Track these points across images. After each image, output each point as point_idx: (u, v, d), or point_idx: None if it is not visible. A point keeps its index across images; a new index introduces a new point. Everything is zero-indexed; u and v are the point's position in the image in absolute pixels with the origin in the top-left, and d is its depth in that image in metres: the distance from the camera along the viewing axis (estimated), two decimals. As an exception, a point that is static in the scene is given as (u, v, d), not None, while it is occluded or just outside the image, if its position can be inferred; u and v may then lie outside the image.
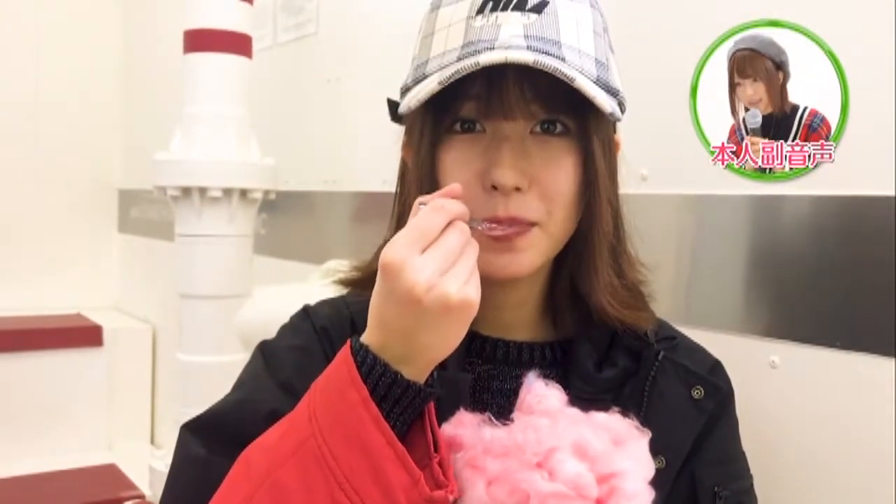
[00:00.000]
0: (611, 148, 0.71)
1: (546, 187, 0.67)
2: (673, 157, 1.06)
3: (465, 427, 0.64)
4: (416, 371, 0.59)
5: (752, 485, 0.77)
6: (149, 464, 2.23)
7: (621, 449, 0.63)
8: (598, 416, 0.65)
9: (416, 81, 0.69)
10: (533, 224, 0.67)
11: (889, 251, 0.85)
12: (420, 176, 0.69)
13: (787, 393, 0.96)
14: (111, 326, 2.94)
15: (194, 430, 0.70)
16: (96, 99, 3.29)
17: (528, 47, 0.63)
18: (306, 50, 2.09)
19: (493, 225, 0.65)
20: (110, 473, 2.62)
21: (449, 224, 0.59)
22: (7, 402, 2.69)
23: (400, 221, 0.74)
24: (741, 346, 0.99)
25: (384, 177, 1.67)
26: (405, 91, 0.71)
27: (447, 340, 0.59)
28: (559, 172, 0.67)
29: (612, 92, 0.68)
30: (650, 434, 0.64)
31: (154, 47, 3.00)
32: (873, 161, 0.88)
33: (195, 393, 1.85)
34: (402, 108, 0.70)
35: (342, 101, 1.95)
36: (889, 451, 0.86)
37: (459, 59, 0.64)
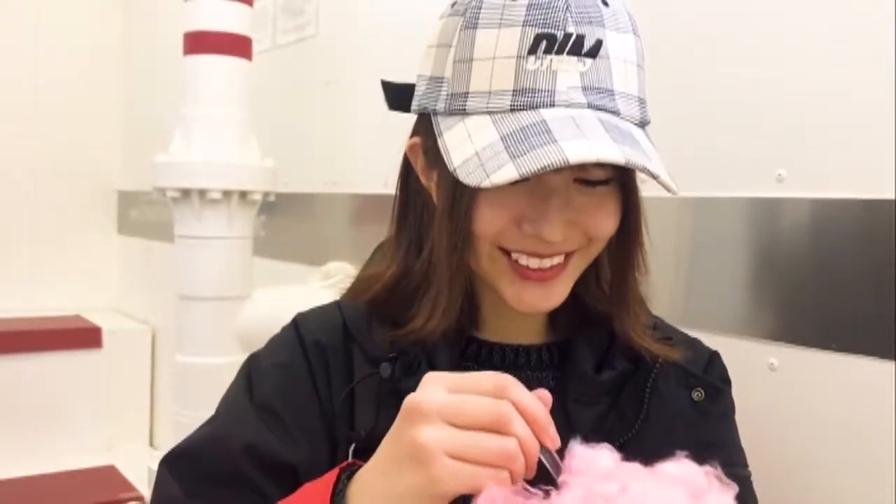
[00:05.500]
0: (637, 191, 0.70)
1: (587, 229, 0.66)
2: (671, 159, 1.06)
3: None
4: None
5: (749, 477, 0.76)
6: (148, 465, 2.23)
7: None
8: (668, 469, 0.52)
9: (454, 113, 0.64)
10: (574, 251, 0.67)
11: (888, 254, 0.85)
12: (454, 219, 0.65)
13: (785, 395, 0.96)
14: (110, 328, 2.94)
15: (172, 467, 0.70)
16: (96, 100, 3.29)
17: (589, 105, 0.61)
18: (306, 52, 2.09)
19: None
20: (109, 475, 2.62)
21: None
22: (6, 403, 2.69)
23: (409, 247, 0.73)
24: (740, 348, 0.99)
25: (384, 178, 1.67)
26: (433, 112, 0.67)
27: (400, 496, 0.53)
28: (602, 219, 0.66)
29: (646, 123, 0.67)
30: (735, 487, 0.53)
31: (154, 49, 3.00)
32: (872, 164, 0.88)
33: (194, 395, 1.85)
34: (458, 170, 0.61)
35: (342, 102, 1.95)
36: (888, 454, 0.86)
37: (512, 109, 0.61)
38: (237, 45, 1.88)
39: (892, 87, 0.86)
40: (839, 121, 0.91)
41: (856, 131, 0.90)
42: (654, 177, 0.59)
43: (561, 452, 0.53)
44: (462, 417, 0.51)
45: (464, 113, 0.63)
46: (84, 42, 3.24)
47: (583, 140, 0.58)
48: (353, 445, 0.69)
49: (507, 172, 0.57)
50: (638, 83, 0.65)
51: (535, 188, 0.64)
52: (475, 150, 0.60)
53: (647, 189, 0.80)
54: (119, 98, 3.34)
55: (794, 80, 0.96)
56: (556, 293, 0.67)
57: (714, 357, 0.78)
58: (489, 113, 0.62)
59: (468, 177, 0.59)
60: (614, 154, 0.57)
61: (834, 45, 0.92)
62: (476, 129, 0.62)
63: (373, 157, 1.80)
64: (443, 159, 0.63)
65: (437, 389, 0.53)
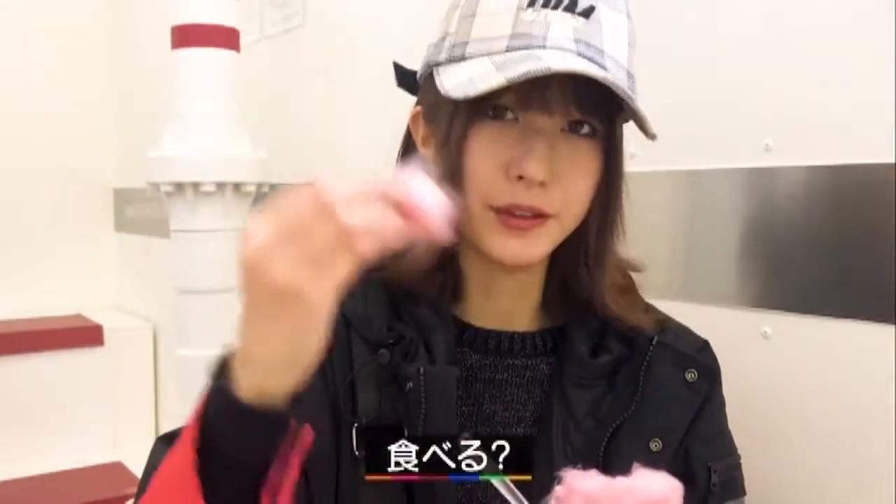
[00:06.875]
0: (621, 151, 0.73)
1: (567, 185, 0.68)
2: (661, 134, 1.06)
3: None
4: (252, 382, 0.54)
5: (739, 462, 0.79)
6: (154, 460, 2.24)
7: None
8: (618, 483, 0.57)
9: (453, 61, 0.68)
10: (551, 216, 0.68)
11: (887, 219, 0.85)
12: (446, 158, 0.68)
13: (779, 363, 0.97)
14: (111, 326, 2.94)
15: (166, 440, 0.70)
16: (87, 99, 3.28)
17: (579, 53, 0.64)
18: (294, 42, 2.09)
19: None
20: (117, 471, 2.63)
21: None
22: (12, 404, 2.70)
23: None
24: (732, 318, 0.99)
25: (376, 165, 1.67)
26: (435, 65, 0.70)
27: (269, 333, 0.51)
28: (582, 173, 0.69)
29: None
30: None
31: (143, 45, 2.99)
32: (861, 129, 0.88)
33: (196, 388, 1.85)
34: (449, 90, 0.65)
35: (332, 91, 1.95)
36: (888, 420, 0.86)
37: (508, 50, 0.65)
38: (225, 38, 1.88)
39: (892, 49, 0.85)
40: (824, 88, 0.91)
41: (841, 97, 0.90)
42: (635, 111, 0.64)
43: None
44: (297, 230, 0.46)
45: (463, 58, 0.67)
46: (73, 40, 3.23)
47: (567, 62, 0.62)
48: (356, 426, 0.70)
49: (493, 80, 0.61)
50: (628, 59, 0.68)
51: (525, 131, 0.67)
52: (469, 76, 0.65)
53: (636, 164, 0.82)
54: (110, 96, 3.33)
55: (777, 43, 0.95)
56: (535, 246, 0.69)
57: (705, 347, 0.79)
58: (486, 55, 0.66)
59: (457, 90, 0.64)
60: (597, 73, 0.62)
61: (817, 5, 0.92)
62: (472, 66, 0.66)
63: (366, 144, 1.80)
64: (440, 117, 0.68)
65: (261, 226, 0.47)
